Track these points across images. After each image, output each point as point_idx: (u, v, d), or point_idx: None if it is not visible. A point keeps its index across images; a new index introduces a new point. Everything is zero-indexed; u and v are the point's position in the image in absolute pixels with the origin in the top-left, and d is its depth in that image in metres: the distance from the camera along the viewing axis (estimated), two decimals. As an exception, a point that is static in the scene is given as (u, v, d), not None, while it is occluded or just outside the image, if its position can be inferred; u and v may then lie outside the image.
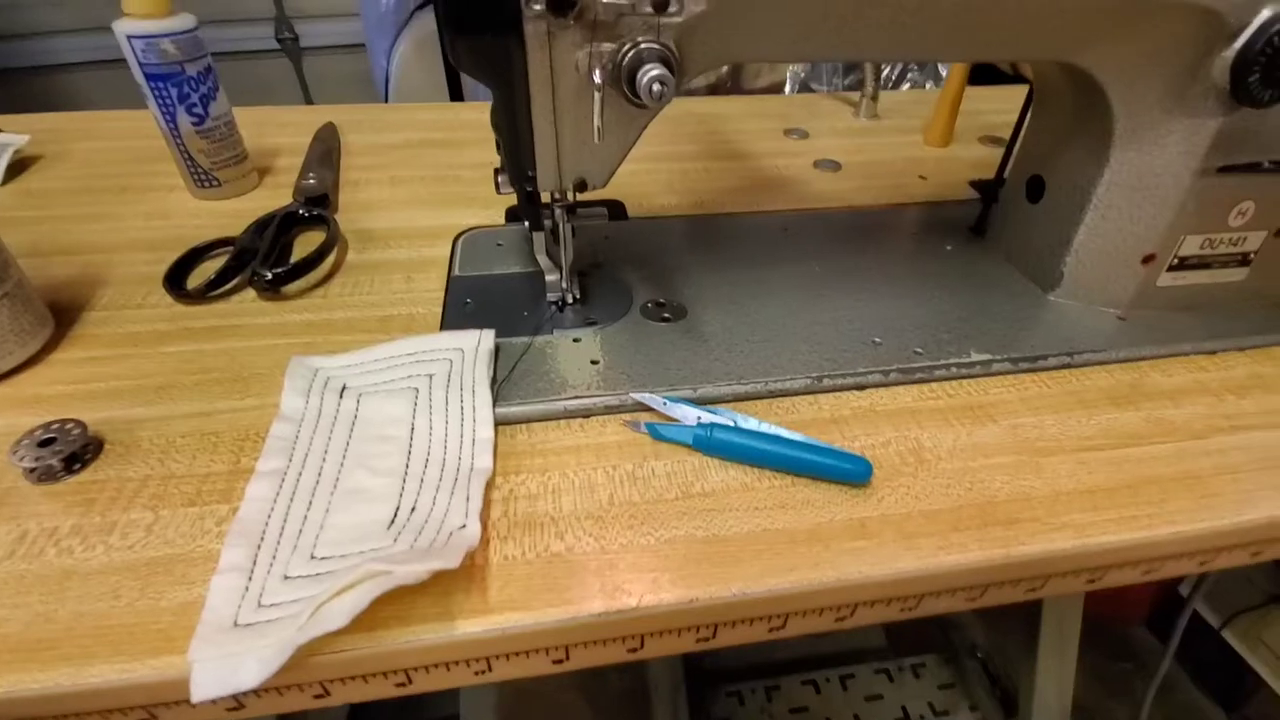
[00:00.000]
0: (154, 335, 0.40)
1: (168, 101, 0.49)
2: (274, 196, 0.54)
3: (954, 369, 0.39)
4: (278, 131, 0.64)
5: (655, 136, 0.67)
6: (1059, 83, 0.43)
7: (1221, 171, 0.39)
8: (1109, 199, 0.41)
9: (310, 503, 0.30)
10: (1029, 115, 0.47)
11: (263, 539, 0.28)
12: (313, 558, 0.28)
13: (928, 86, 0.99)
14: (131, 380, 0.37)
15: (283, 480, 0.31)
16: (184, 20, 0.48)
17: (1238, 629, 1.03)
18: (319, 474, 0.31)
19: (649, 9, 0.29)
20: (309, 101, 1.86)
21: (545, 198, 0.39)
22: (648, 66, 0.29)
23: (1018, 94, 0.84)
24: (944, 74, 0.98)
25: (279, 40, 1.75)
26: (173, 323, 0.41)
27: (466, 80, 1.54)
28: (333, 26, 1.77)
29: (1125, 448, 0.35)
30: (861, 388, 0.38)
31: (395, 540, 0.28)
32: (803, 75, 0.96)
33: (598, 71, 0.30)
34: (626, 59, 0.30)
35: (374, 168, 0.59)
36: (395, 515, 0.29)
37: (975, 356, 0.40)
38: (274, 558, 0.28)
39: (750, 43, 0.33)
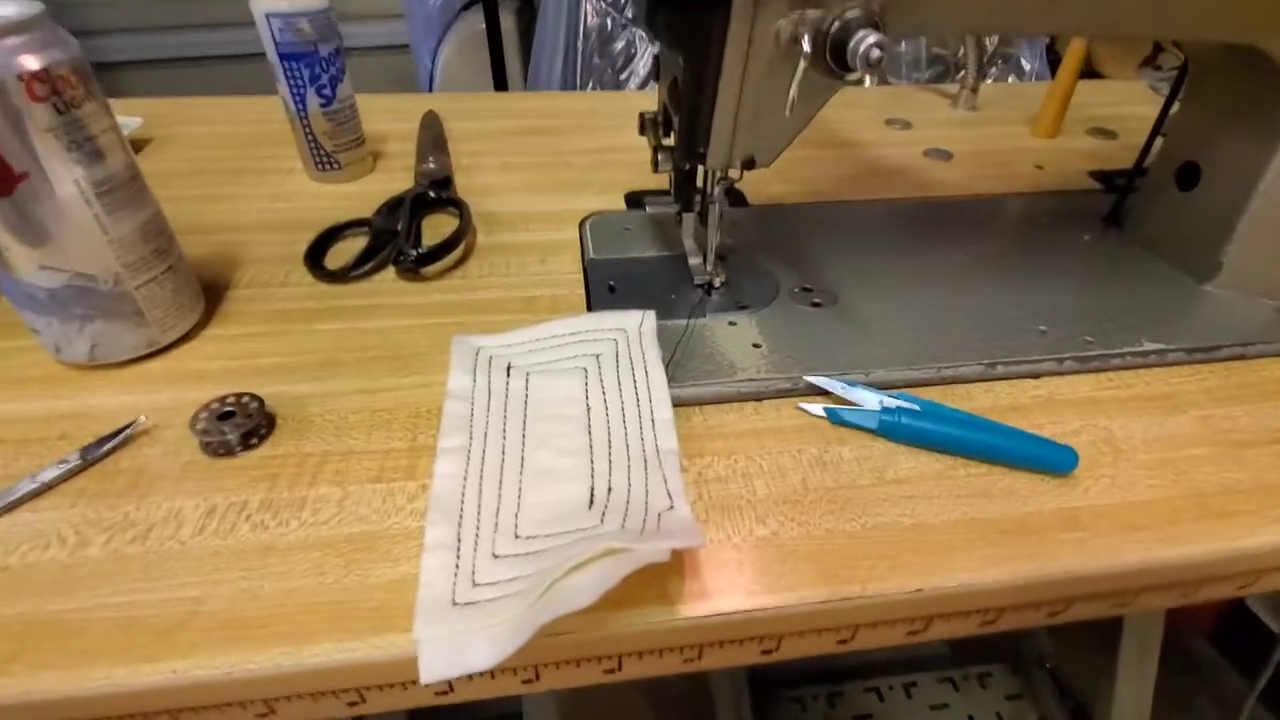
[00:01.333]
0: (304, 313, 0.39)
1: (299, 82, 0.48)
2: (391, 180, 0.54)
3: (1129, 357, 0.37)
4: (380, 118, 0.64)
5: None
6: (1221, 65, 0.41)
7: None
8: (1277, 187, 0.40)
9: (501, 481, 0.29)
10: (1179, 99, 0.46)
11: (462, 516, 0.27)
12: (517, 537, 0.27)
13: (1009, 80, 0.98)
14: (292, 356, 0.36)
15: (468, 457, 0.30)
16: (320, 1, 0.47)
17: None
18: (503, 452, 0.30)
19: (862, -25, 0.28)
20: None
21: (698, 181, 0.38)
22: (863, 33, 0.28)
23: (1116, 87, 0.83)
24: (1027, 68, 0.96)
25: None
26: (320, 301, 0.40)
27: (512, 79, 1.54)
28: (377, 28, 1.79)
29: (1325, 441, 0.33)
30: (1036, 375, 0.37)
31: (602, 520, 0.27)
32: (990, 40, 0.94)
33: (807, 39, 0.29)
34: (834, 28, 0.29)
35: (483, 154, 0.59)
36: (592, 495, 0.28)
37: (1149, 345, 0.38)
38: (478, 535, 0.27)
39: (945, 13, 0.32)
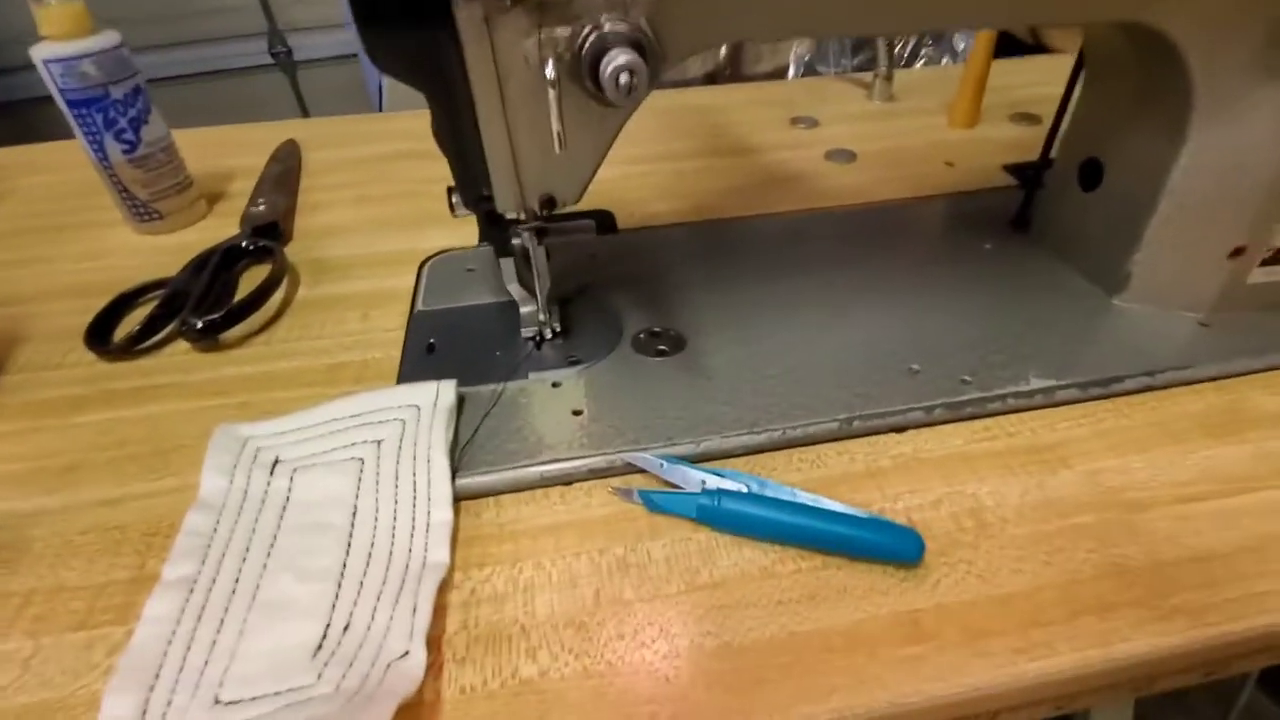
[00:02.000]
0: (69, 402, 0.34)
1: (94, 129, 0.43)
2: (226, 226, 0.48)
3: (1011, 400, 0.32)
4: (235, 152, 0.59)
5: (645, 135, 0.60)
6: (1119, 48, 0.36)
7: (1334, 143, 0.32)
8: (1187, 184, 0.34)
9: (222, 622, 0.24)
10: (1079, 88, 0.40)
11: (158, 678, 0.22)
12: (217, 702, 0.22)
13: (944, 63, 0.92)
14: (35, 461, 0.31)
15: (191, 591, 0.25)
16: (106, 39, 0.42)
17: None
18: (236, 581, 0.25)
19: (612, -20, 0.23)
20: (304, 113, 1.82)
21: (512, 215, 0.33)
22: (613, 53, 0.23)
23: (1049, 64, 0.77)
24: (961, 48, 0.90)
25: (273, 55, 1.71)
26: (92, 384, 0.35)
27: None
28: (326, 38, 1.72)
29: (1237, 494, 0.28)
30: (901, 429, 0.31)
31: (319, 676, 0.22)
32: (807, 57, 0.89)
33: (551, 64, 0.24)
34: (588, 46, 0.24)
35: (338, 187, 0.54)
36: (325, 637, 0.23)
37: (1035, 383, 0.33)
38: (169, 705, 0.22)
39: (742, 19, 0.26)
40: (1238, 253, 0.35)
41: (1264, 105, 0.32)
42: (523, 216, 0.31)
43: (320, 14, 1.70)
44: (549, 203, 0.30)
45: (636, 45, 0.23)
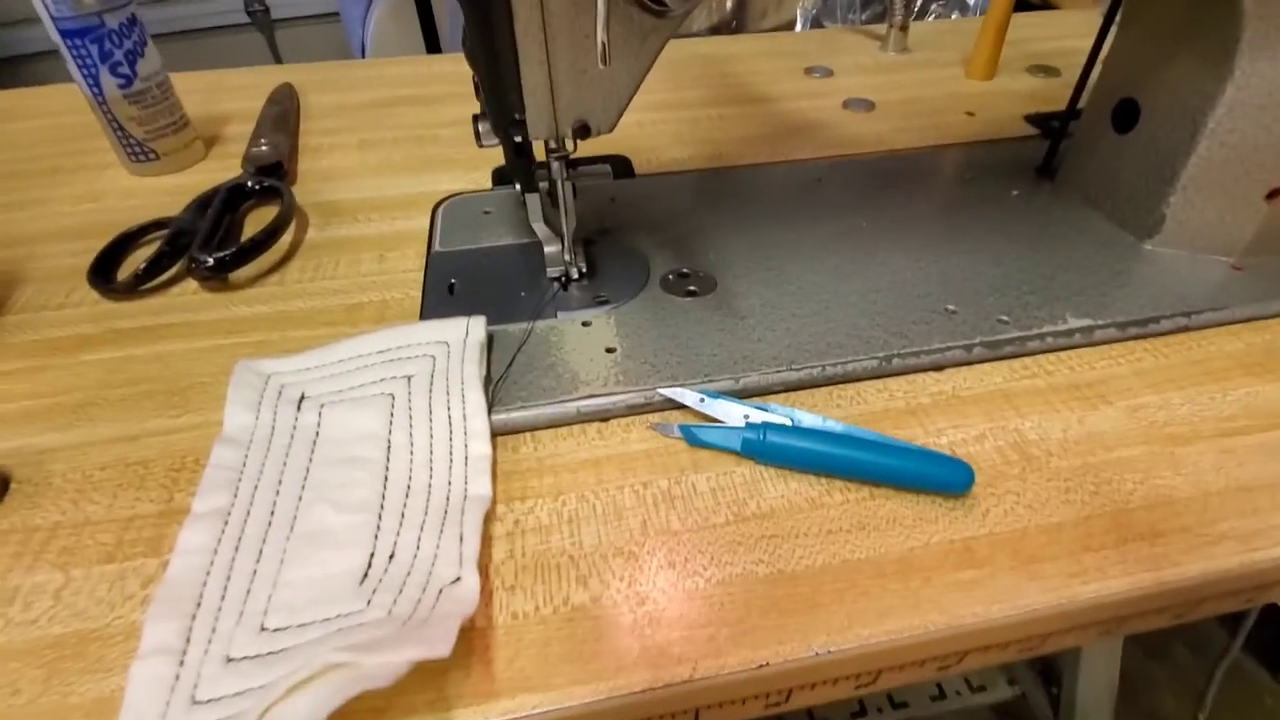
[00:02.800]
0: (76, 340, 0.33)
1: (89, 62, 0.41)
2: (224, 169, 0.46)
3: (1049, 339, 0.32)
4: (230, 96, 0.56)
5: (658, 82, 0.59)
6: (1162, -20, 0.35)
7: (1381, 77, 0.31)
8: (1230, 122, 0.34)
9: (261, 552, 0.23)
10: (1112, 31, 0.39)
11: (199, 606, 0.22)
12: (263, 629, 0.21)
13: (954, 17, 0.90)
14: (46, 399, 0.30)
15: (226, 523, 0.24)
16: (96, -41, 0.39)
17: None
18: (271, 513, 0.24)
19: (668, -125, 0.22)
20: (284, 76, 1.76)
21: (539, 151, 0.31)
22: (670, -46, 0.22)
23: (1065, 18, 0.76)
24: (971, 3, 0.89)
25: (249, 13, 1.65)
26: (98, 323, 0.34)
27: (447, 41, 1.44)
28: (304, -4, 1.67)
29: (1278, 429, 0.28)
30: (940, 367, 0.31)
31: (369, 603, 0.21)
32: (814, 11, 0.87)
33: (602, -34, 0.22)
34: (640, -52, 0.23)
35: (339, 131, 0.52)
36: (369, 566, 0.23)
37: (1073, 322, 0.33)
38: (213, 632, 0.21)
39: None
40: (1275, 194, 0.35)
41: (1311, 38, 0.31)
42: (553, 145, 0.30)
43: (299, -31, 1.65)
44: (583, 130, 0.29)
45: (692, -53, 0.22)
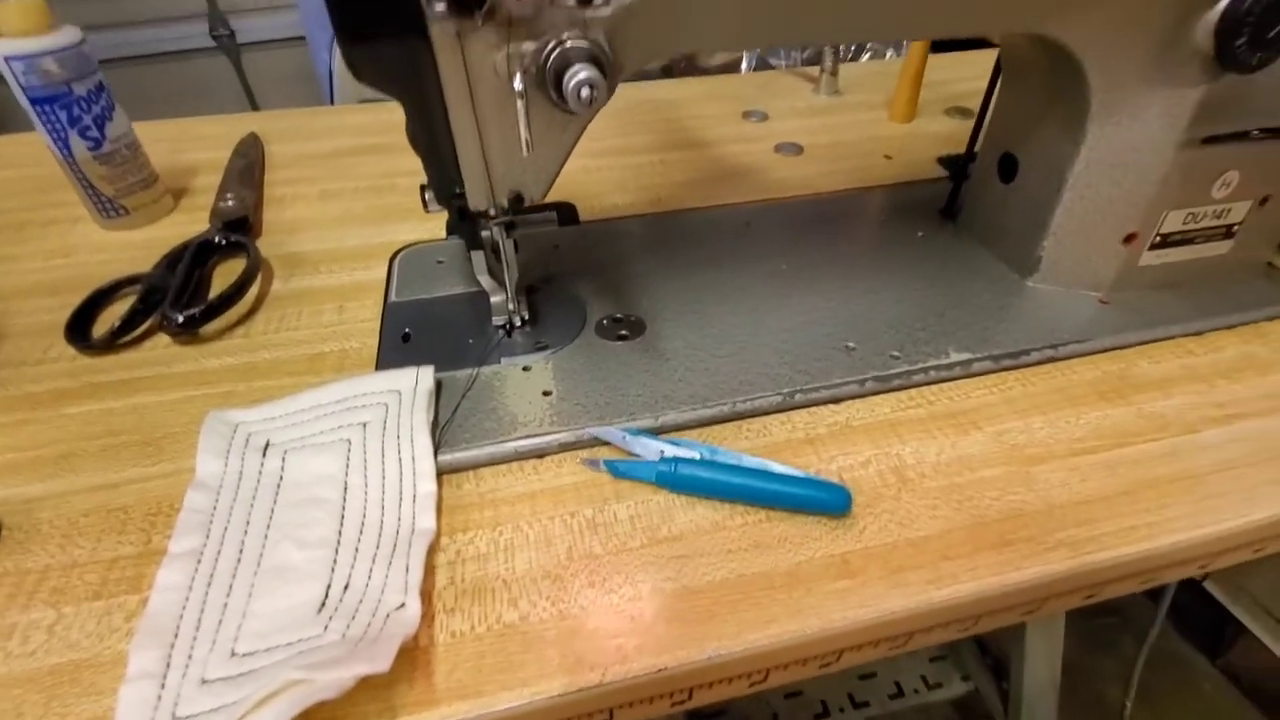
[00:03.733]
0: (55, 395, 0.36)
1: (58, 126, 0.44)
2: (192, 221, 0.50)
3: (933, 372, 0.36)
4: (196, 145, 0.59)
5: (605, 129, 0.63)
6: (1028, 55, 0.40)
7: (1206, 142, 0.36)
8: (1086, 177, 0.39)
9: (230, 587, 0.26)
10: (997, 89, 0.44)
11: (177, 636, 0.25)
12: (234, 654, 0.24)
13: (889, 56, 0.96)
14: (30, 451, 0.33)
15: (199, 562, 0.27)
16: (68, 35, 0.43)
17: (1219, 578, 1.04)
18: (240, 551, 0.28)
19: (572, 2, 0.26)
20: (251, 100, 1.77)
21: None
22: (575, 68, 0.26)
23: (984, 59, 0.82)
24: (905, 43, 0.94)
25: (214, 37, 1.66)
26: (76, 378, 0.37)
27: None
28: (271, 20, 1.68)
29: (1118, 448, 0.33)
30: (837, 400, 0.35)
31: (326, 627, 0.25)
32: (760, 51, 0.92)
33: (519, 76, 0.26)
34: (551, 60, 0.27)
35: (301, 181, 0.55)
36: (326, 595, 0.26)
37: (954, 356, 0.37)
38: (189, 658, 0.24)
39: (689, 33, 0.29)
40: (1130, 239, 0.40)
41: (1151, 108, 0.36)
42: (493, 212, 0.34)
43: (262, -4, 1.66)
44: (517, 199, 0.33)
45: (595, 60, 0.26)
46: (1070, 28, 0.33)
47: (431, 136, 0.30)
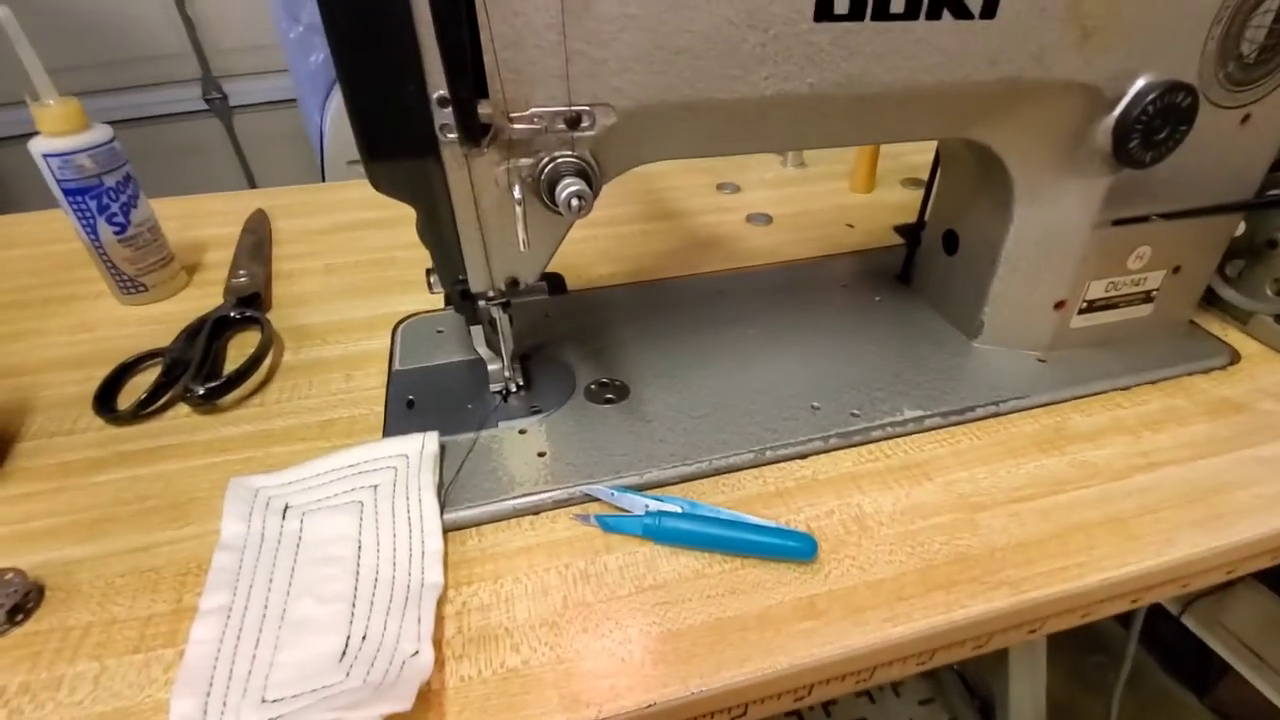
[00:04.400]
0: (87, 463, 0.39)
1: (87, 214, 0.48)
2: (205, 295, 0.53)
3: (889, 428, 0.41)
4: (205, 222, 0.63)
5: (591, 201, 0.68)
6: (960, 150, 0.46)
7: (1115, 224, 0.42)
8: (1017, 252, 0.44)
9: (258, 639, 0.29)
10: (938, 175, 0.50)
11: (211, 685, 0.28)
12: (264, 701, 0.27)
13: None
14: (66, 516, 0.36)
15: (228, 617, 0.30)
16: (100, 133, 0.47)
17: (1197, 614, 1.06)
18: (265, 606, 0.31)
19: (562, 126, 0.31)
20: (242, 160, 1.83)
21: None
22: (566, 181, 0.30)
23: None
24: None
25: (207, 101, 1.73)
26: (105, 448, 0.40)
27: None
28: (262, 83, 1.75)
29: (1053, 495, 0.37)
30: (804, 456, 0.39)
31: (348, 674, 0.28)
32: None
33: (517, 187, 0.31)
34: (545, 173, 0.31)
35: (307, 255, 0.59)
36: (346, 645, 0.29)
37: (908, 414, 0.41)
38: (224, 705, 0.27)
39: (662, 146, 0.34)
40: (1060, 305, 0.45)
41: (1066, 195, 0.41)
42: (491, 294, 0.38)
43: (256, 61, 1.73)
44: (513, 282, 0.37)
45: (583, 174, 0.31)
46: (990, 133, 0.39)
47: (439, 233, 0.35)
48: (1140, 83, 0.36)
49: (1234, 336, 0.49)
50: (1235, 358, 0.47)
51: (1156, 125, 0.37)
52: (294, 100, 1.75)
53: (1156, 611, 1.05)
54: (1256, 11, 0.35)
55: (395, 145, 0.30)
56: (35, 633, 0.30)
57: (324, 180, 1.38)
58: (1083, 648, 1.20)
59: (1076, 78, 0.35)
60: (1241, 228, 0.48)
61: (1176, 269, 0.46)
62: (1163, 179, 0.41)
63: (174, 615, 0.31)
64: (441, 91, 0.28)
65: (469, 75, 0.26)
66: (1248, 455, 0.39)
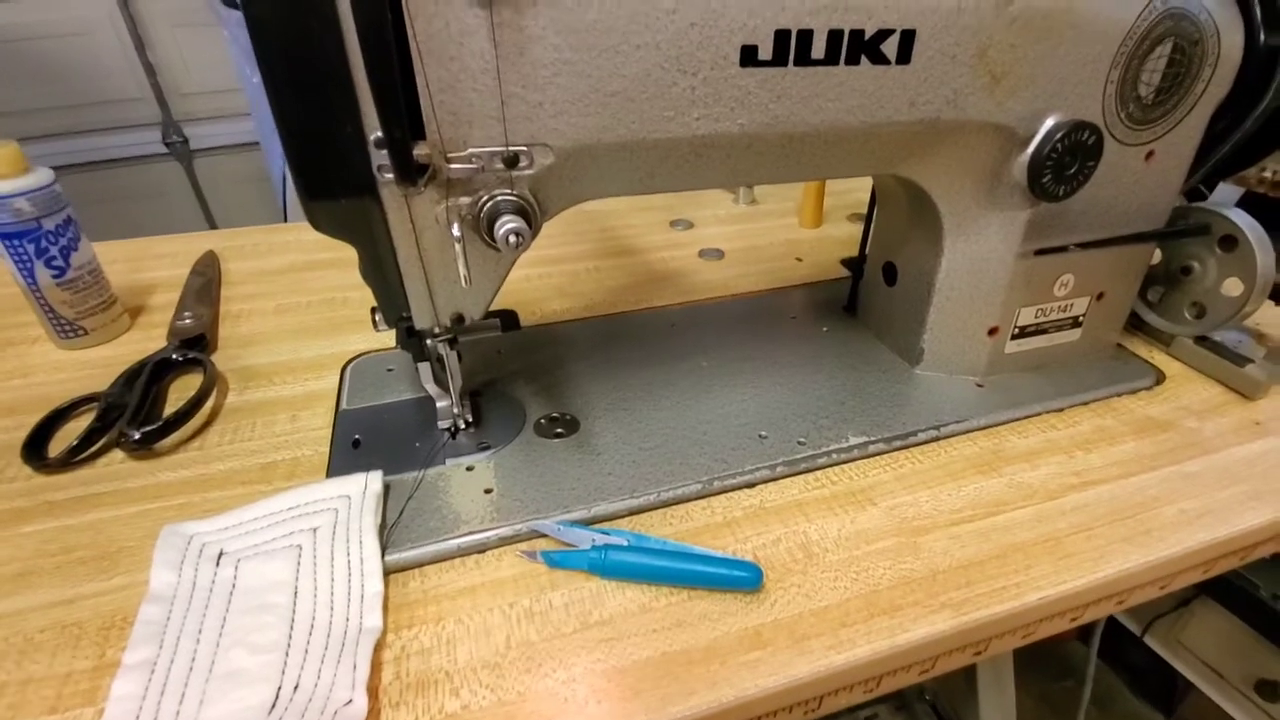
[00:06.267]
0: (12, 514, 0.37)
1: (24, 258, 0.47)
2: (147, 339, 0.52)
3: (834, 455, 0.41)
4: (154, 265, 0.63)
5: (544, 240, 0.69)
6: (893, 186, 0.48)
7: (1038, 253, 0.44)
8: (949, 282, 0.46)
9: (183, 695, 0.28)
10: (875, 209, 0.52)
11: (129, 746, 0.26)
12: (185, 761, 0.26)
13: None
14: (-18, 571, 0.34)
15: (152, 672, 0.29)
16: (40, 176, 0.46)
17: (1158, 634, 1.08)
18: (193, 659, 0.29)
19: (500, 165, 0.31)
20: (202, 203, 1.82)
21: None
22: (504, 219, 0.31)
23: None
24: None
25: (167, 144, 1.72)
26: (32, 497, 0.38)
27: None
28: (223, 127, 1.75)
29: (991, 516, 0.38)
30: (751, 485, 0.40)
31: (276, 727, 0.27)
32: None
33: (456, 225, 0.31)
34: (485, 210, 0.32)
35: (257, 296, 0.58)
36: (277, 697, 0.28)
37: (853, 440, 0.42)
38: (142, 768, 0.26)
39: (601, 184, 0.35)
40: (994, 331, 0.47)
41: (990, 228, 0.43)
42: (437, 330, 0.38)
43: (217, 105, 1.73)
44: (459, 319, 0.37)
45: (522, 211, 0.31)
46: (917, 169, 0.41)
47: (381, 271, 0.35)
48: (1049, 122, 0.39)
49: (1159, 358, 0.51)
50: (1160, 378, 0.49)
51: (1067, 161, 0.39)
52: (256, 143, 1.75)
53: (1122, 634, 1.07)
54: (1150, 57, 0.38)
55: (334, 186, 0.30)
56: (-57, 696, 0.29)
57: (286, 221, 1.38)
58: (1051, 674, 1.21)
59: (990, 118, 0.37)
60: (1158, 256, 0.51)
61: (1100, 295, 0.48)
62: (1078, 211, 0.43)
63: (95, 672, 0.30)
64: (379, 133, 0.29)
65: (403, 117, 0.27)
66: (1173, 471, 0.41)
